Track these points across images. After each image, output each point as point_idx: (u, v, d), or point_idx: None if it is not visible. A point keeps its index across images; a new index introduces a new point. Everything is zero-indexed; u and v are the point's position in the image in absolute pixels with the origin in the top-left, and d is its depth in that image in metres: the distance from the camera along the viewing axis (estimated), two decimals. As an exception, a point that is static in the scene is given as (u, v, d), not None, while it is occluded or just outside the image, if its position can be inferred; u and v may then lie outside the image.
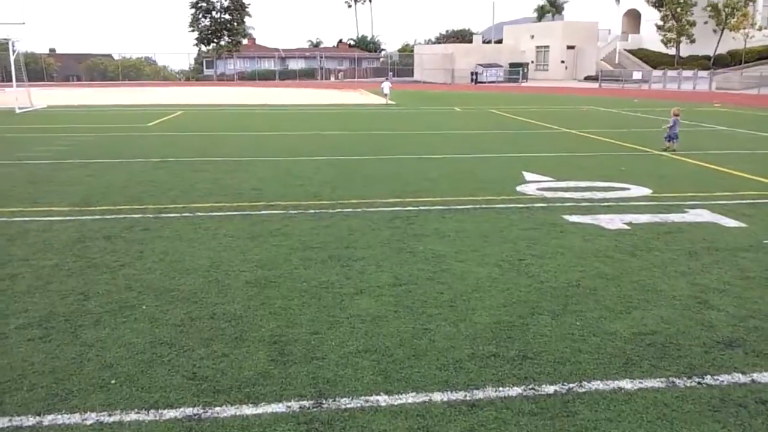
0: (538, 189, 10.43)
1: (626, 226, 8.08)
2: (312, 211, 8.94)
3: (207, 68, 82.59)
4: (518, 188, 10.52)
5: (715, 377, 4.24)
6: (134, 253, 6.95)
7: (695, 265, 6.57)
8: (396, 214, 8.71)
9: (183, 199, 9.71)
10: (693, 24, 57.17)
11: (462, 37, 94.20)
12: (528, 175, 11.64)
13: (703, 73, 48.29)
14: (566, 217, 8.57)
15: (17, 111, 26.26)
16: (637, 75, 52.65)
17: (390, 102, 34.00)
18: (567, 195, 10.01)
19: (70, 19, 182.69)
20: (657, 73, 51.65)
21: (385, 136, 18.59)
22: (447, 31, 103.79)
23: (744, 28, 54.30)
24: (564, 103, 34.68)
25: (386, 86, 35.23)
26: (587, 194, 10.06)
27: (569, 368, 4.35)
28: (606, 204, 9.38)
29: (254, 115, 26.74)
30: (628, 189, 10.49)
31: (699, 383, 4.16)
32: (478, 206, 9.21)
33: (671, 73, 50.69)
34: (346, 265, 6.53)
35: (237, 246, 7.20)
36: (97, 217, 8.63)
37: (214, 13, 71.21)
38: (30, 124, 22.17)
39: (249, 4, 72.63)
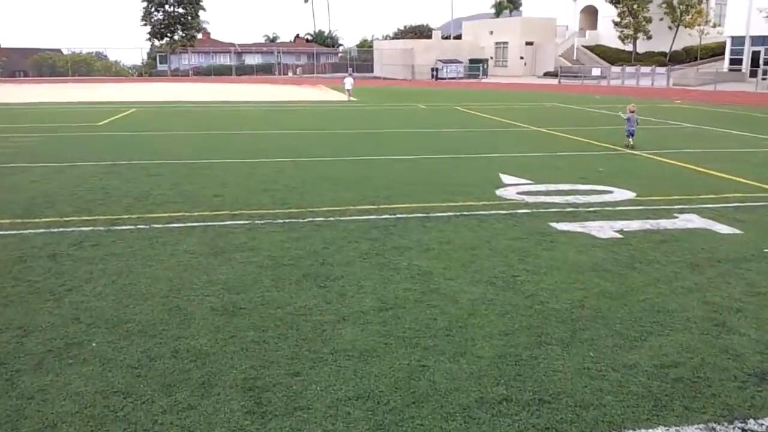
0: (519, 193, 9.92)
1: (618, 235, 7.60)
2: (280, 220, 8.24)
3: (161, 63, 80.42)
4: (498, 192, 9.98)
5: (759, 421, 3.72)
6: (83, 275, 6.16)
7: (701, 279, 6.09)
8: (372, 224, 8.07)
9: (138, 208, 8.89)
10: (649, 20, 57.80)
11: (420, 32, 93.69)
12: (506, 178, 11.12)
13: (661, 70, 48.81)
14: (553, 224, 8.05)
15: (-43, 109, 24.74)
16: (596, 71, 52.91)
17: (351, 98, 33.29)
18: (549, 199, 9.51)
19: (17, 13, 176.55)
20: (615, 69, 52.02)
21: (350, 135, 17.91)
22: (405, 27, 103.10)
23: (699, 25, 55.11)
24: (527, 99, 34.47)
25: (348, 82, 34.43)
26: (570, 198, 9.58)
27: (593, 414, 3.78)
28: (592, 209, 8.90)
29: (211, 112, 25.75)
30: (611, 192, 10.05)
31: (743, 430, 3.64)
32: (459, 213, 8.63)
33: (629, 69, 51.10)
34: (324, 286, 5.87)
35: (199, 264, 6.47)
36: (42, 230, 7.77)
37: (167, 6, 69.21)
38: (-30, 123, 20.82)
39: (203, -2, 70.91)
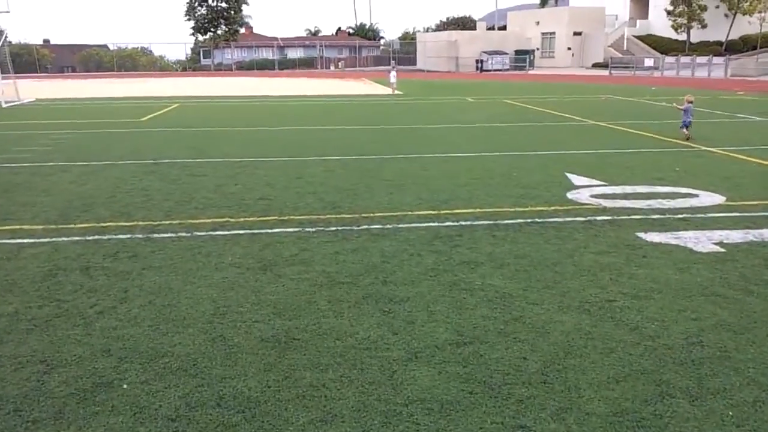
0: (593, 196, 8.96)
1: (719, 248, 6.62)
2: (333, 228, 7.47)
3: (204, 58, 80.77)
4: (569, 195, 9.05)
5: None
6: (117, 293, 5.49)
7: (836, 307, 5.11)
8: (435, 232, 7.25)
9: (179, 212, 8.23)
10: (704, 8, 55.42)
11: (463, 24, 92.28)
12: (574, 178, 10.16)
13: (718, 60, 46.64)
14: (641, 235, 7.11)
15: (3, 105, 24.69)
16: (648, 62, 50.96)
17: (397, 91, 32.47)
18: (629, 204, 8.54)
19: (66, 10, 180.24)
20: (669, 59, 49.98)
21: (399, 131, 17.08)
22: (447, 18, 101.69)
23: (759, 12, 52.56)
24: (578, 91, 33.11)
25: (393, 75, 33.75)
26: (652, 203, 8.59)
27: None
28: (680, 216, 7.91)
29: (255, 107, 25.19)
30: (697, 196, 9.02)
31: None
32: (530, 220, 7.74)
33: (684, 59, 49.04)
34: (388, 311, 5.07)
35: (246, 282, 5.74)
36: (76, 238, 7.15)
37: (210, 1, 69.28)
38: (14, 119, 20.61)
39: (246, -8, 70.81)
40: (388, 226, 7.56)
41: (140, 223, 7.75)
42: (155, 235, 7.23)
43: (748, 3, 53.93)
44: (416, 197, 8.98)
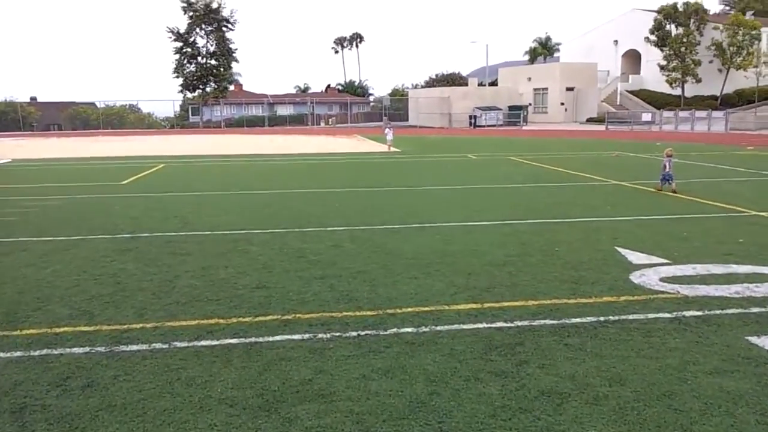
0: (664, 280, 7.35)
1: None
2: (353, 332, 5.80)
3: (193, 115, 79.97)
4: (634, 279, 7.43)
5: None
6: (55, 459, 3.74)
7: None
8: (487, 339, 5.58)
9: (155, 309, 6.53)
10: (698, 63, 55.31)
11: (452, 80, 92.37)
12: (630, 255, 8.57)
13: (717, 114, 46.01)
14: (754, 340, 5.49)
15: (-24, 167, 23.04)
16: (646, 117, 50.28)
17: (393, 149, 31.08)
18: (713, 291, 6.93)
19: (55, 68, 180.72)
20: (668, 113, 49.34)
21: (406, 193, 15.54)
22: (437, 75, 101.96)
23: (755, 66, 52.35)
24: (582, 147, 31.94)
25: (389, 132, 32.31)
26: (740, 289, 6.99)
27: None
28: (787, 309, 6.29)
29: (245, 167, 23.68)
30: (788, 277, 7.44)
31: None
32: (602, 318, 6.10)
33: (683, 113, 48.42)
34: (460, 493, 3.35)
35: (244, 436, 4.02)
36: (18, 353, 5.44)
37: (199, 58, 68.72)
38: (-15, 183, 18.94)
39: (236, 50, 70.37)
40: (424, 329, 5.88)
41: (104, 327, 6.04)
42: (122, 348, 5.51)
43: (741, 58, 53.84)
44: (448, 283, 7.33)
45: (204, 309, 6.55)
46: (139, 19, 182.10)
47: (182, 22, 74.01)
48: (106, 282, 7.61)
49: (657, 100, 59.54)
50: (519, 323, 5.99)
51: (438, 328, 5.91)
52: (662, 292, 6.90)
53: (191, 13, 66.74)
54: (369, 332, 5.81)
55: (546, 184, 16.78)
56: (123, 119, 77.80)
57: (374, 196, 14.84)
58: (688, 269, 7.85)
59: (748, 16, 58.65)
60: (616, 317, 6.13)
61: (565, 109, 63.43)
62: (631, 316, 6.15)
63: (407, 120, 67.91)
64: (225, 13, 67.91)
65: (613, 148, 30.61)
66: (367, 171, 21.43)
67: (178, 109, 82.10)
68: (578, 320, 6.06)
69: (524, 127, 56.63)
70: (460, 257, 8.62)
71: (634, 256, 8.51)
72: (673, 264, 8.11)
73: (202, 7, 66.46)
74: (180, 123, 77.50)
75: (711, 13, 61.62)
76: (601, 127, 51.55)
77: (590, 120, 58.97)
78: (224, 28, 68.63)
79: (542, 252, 8.87)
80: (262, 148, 34.29)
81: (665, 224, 10.96)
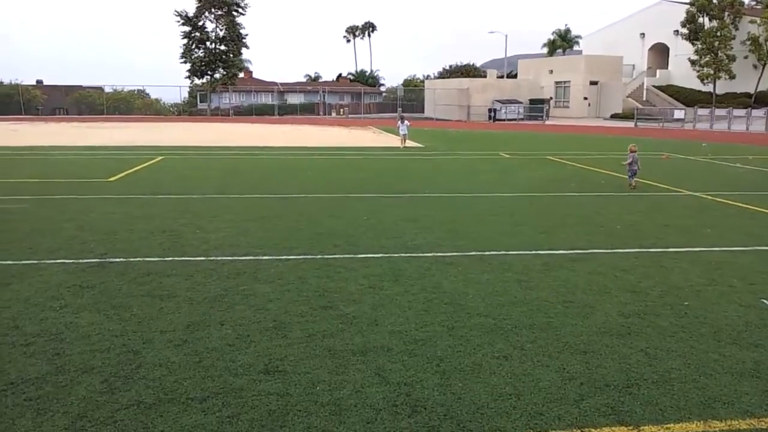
0: None
1: None
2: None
3: (201, 102, 77.33)
4: (844, 371, 4.85)
5: None
6: None
7: None
8: None
9: (99, 422, 4.00)
10: (733, 59, 52.25)
11: (467, 72, 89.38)
12: (800, 319, 5.98)
13: (759, 113, 43.06)
14: None
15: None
16: (678, 114, 47.42)
17: (407, 145, 27.35)
18: None
19: (63, 51, 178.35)
20: (702, 111, 46.40)
21: (448, 202, 12.93)
22: (451, 66, 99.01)
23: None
24: (622, 147, 29.13)
25: (404, 127, 27.90)
26: None
27: None
28: None
29: (253, 162, 21.10)
30: None
31: None
32: None
33: (719, 111, 45.49)
34: None
35: None
36: None
37: (208, 43, 65.96)
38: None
39: (246, 35, 67.53)
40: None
41: (4, 466, 3.51)
42: None
43: (779, 53, 50.85)
44: (559, 371, 4.77)
45: (179, 424, 4.00)
46: (149, 1, 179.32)
47: (191, 6, 71.41)
48: (38, 353, 5.07)
49: (686, 97, 56.57)
50: (724, 482, 3.43)
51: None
52: None
53: (201, -4, 63.97)
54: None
55: (608, 194, 14.14)
56: (130, 105, 75.25)
57: (410, 206, 12.25)
58: None
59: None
60: None
61: (589, 104, 60.50)
62: None
63: (422, 112, 65.15)
64: (235, -4, 65.09)
65: (647, 147, 27.85)
66: (392, 171, 18.83)
67: (186, 95, 79.56)
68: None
69: (547, 122, 53.82)
70: (554, 315, 6.04)
71: (807, 320, 5.92)
72: None
73: (212, -11, 63.67)
74: (188, 110, 74.90)
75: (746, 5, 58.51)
76: (629, 124, 48.66)
77: (615, 116, 56.04)
78: (234, 13, 65.79)
79: (670, 308, 6.28)
80: (272, 140, 31.72)
81: (802, 260, 8.33)
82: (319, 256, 8.16)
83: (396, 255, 8.26)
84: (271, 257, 8.10)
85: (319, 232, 9.59)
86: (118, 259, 7.92)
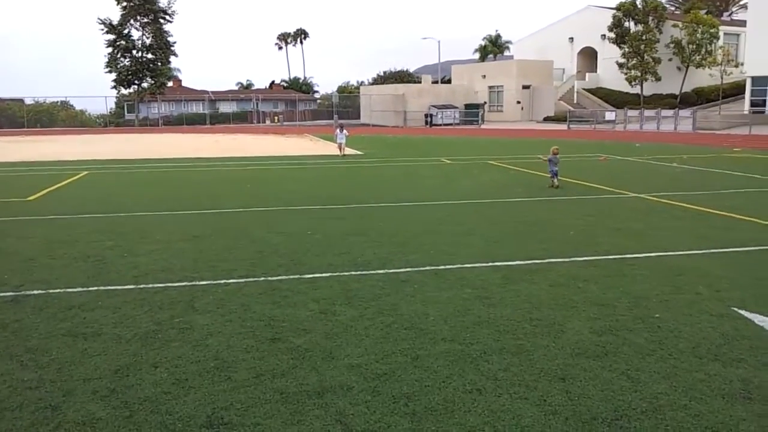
0: None
1: None
2: None
3: (129, 112, 74.69)
4: (835, 387, 4.55)
5: None
6: None
7: None
8: None
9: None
10: (658, 61, 53.89)
11: (401, 78, 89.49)
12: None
13: (685, 113, 44.42)
14: None
15: None
16: (610, 115, 48.47)
17: (345, 154, 26.25)
18: None
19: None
20: (632, 112, 47.54)
21: (394, 212, 12.42)
22: (385, 72, 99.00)
23: (719, 64, 50.93)
24: (561, 150, 29.29)
25: (342, 135, 26.35)
26: None
27: None
28: None
29: (186, 175, 20.13)
30: None
31: None
32: None
33: (648, 112, 46.69)
34: None
35: None
36: None
37: (134, 52, 63.71)
38: None
39: (175, 43, 65.59)
40: None
41: None
42: None
43: (700, 56, 52.67)
44: (540, 405, 4.30)
45: (106, 500, 3.32)
46: (72, 9, 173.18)
47: (115, 13, 68.91)
48: (-66, 414, 4.27)
49: (615, 99, 57.97)
50: None
51: None
52: None
53: (125, 3, 61.78)
54: None
55: (554, 198, 13.95)
56: (53, 117, 71.78)
57: (354, 218, 11.69)
58: None
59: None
60: None
61: (522, 108, 61.37)
62: None
63: (359, 118, 64.69)
64: (162, 3, 63.22)
65: (582, 149, 28.33)
66: (333, 180, 18.23)
67: (113, 106, 76.70)
68: None
69: (482, 126, 54.23)
70: (523, 336, 5.60)
71: (782, 330, 5.66)
72: None
73: (136, -4, 61.57)
74: (115, 121, 72.29)
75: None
76: (562, 127, 49.49)
77: (548, 119, 57.01)
78: (161, 20, 63.87)
79: (641, 322, 5.93)
80: (205, 150, 30.60)
81: (759, 267, 8.17)
82: (262, 279, 7.50)
83: (346, 273, 7.69)
84: (208, 282, 7.40)
85: (261, 251, 8.93)
86: (35, 291, 7.06)
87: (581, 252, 8.71)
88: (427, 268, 7.92)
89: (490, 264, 8.08)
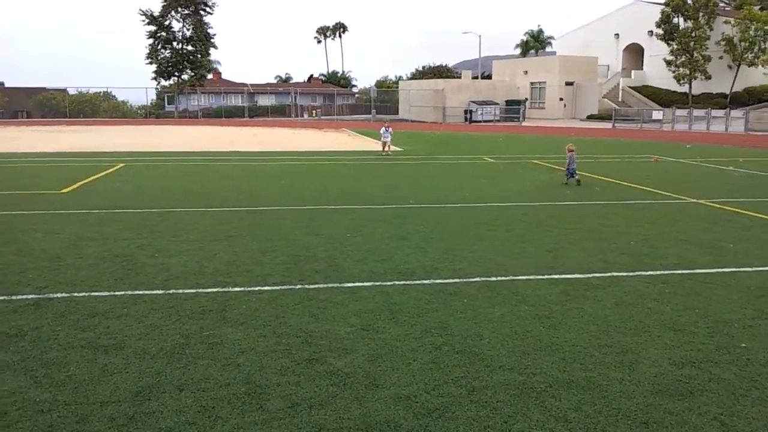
0: None
1: None
2: None
3: (169, 104, 75.21)
4: None
5: None
6: None
7: None
8: None
9: None
10: (708, 59, 52.00)
11: (440, 73, 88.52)
12: None
13: (737, 113, 42.69)
14: None
15: None
16: (657, 115, 46.88)
17: (388, 151, 25.68)
18: None
19: (26, 52, 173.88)
20: (680, 112, 45.89)
21: (434, 215, 11.78)
22: (423, 67, 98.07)
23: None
24: (607, 149, 28.32)
25: (387, 133, 25.45)
26: None
27: None
28: None
29: (222, 169, 19.76)
30: None
31: None
32: None
33: (697, 112, 45.05)
34: None
35: None
36: None
37: (175, 44, 64.02)
38: None
39: (215, 35, 65.74)
40: None
41: None
42: None
43: (753, 54, 50.70)
44: (624, 459, 3.64)
45: None
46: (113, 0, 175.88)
47: (156, 5, 69.38)
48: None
49: (661, 97, 56.21)
50: None
51: None
52: None
53: (167, -5, 62.09)
54: None
55: (607, 202, 13.15)
56: (96, 107, 72.68)
57: (396, 220, 11.08)
58: None
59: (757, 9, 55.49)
60: None
61: (564, 105, 59.94)
62: None
63: (397, 113, 64.02)
64: (203, -5, 63.31)
65: (629, 149, 27.26)
66: (372, 178, 17.66)
67: (153, 97, 77.32)
68: None
69: (523, 124, 53.09)
70: (592, 366, 4.94)
71: None
72: None
73: (178, -12, 61.83)
74: (155, 112, 72.84)
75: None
76: (606, 125, 48.09)
77: (591, 117, 55.53)
78: (202, 12, 64.06)
79: (727, 353, 5.21)
80: (242, 144, 30.33)
81: None
82: (298, 286, 6.96)
83: (389, 283, 7.10)
84: (241, 288, 6.88)
85: (297, 254, 8.39)
86: (59, 294, 6.63)
87: (646, 265, 7.97)
88: (477, 279, 7.28)
89: (547, 277, 7.40)
